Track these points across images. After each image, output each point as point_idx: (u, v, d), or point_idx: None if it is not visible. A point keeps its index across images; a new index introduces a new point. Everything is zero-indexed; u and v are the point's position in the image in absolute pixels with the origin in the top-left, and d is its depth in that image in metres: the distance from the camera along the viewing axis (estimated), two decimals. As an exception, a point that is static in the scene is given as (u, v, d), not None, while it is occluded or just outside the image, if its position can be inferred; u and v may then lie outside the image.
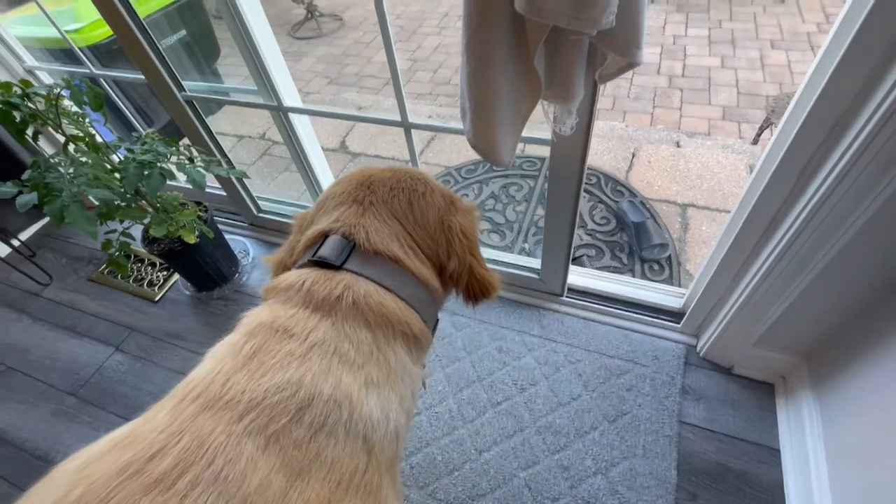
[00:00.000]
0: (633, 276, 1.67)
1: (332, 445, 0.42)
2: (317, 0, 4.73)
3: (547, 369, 1.27)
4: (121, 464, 0.37)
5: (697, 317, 1.22)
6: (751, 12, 4.10)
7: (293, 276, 0.53)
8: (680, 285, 1.63)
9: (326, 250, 0.54)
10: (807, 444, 1.00)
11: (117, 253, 1.20)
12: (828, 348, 1.02)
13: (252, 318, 0.51)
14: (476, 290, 0.61)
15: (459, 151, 2.32)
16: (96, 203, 1.09)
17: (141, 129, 1.64)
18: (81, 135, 1.07)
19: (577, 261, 1.67)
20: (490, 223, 1.92)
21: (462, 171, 2.16)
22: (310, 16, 4.93)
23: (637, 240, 1.69)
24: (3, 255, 1.80)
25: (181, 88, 1.32)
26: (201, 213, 1.46)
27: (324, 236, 0.56)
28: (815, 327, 1.00)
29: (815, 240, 0.83)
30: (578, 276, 1.42)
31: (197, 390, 0.43)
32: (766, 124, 2.75)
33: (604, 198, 1.92)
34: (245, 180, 1.56)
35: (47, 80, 1.62)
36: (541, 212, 1.93)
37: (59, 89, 0.98)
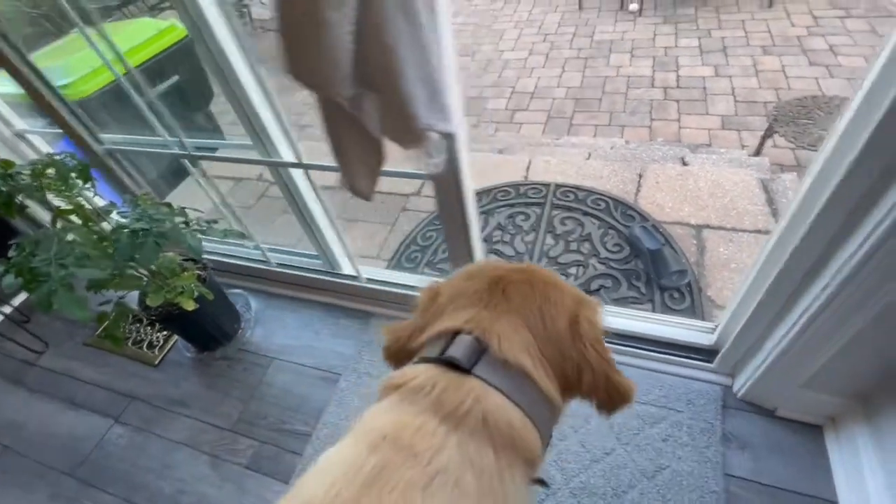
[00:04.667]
0: (653, 305, 1.60)
1: None
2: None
3: (575, 421, 1.19)
4: None
5: (733, 356, 1.15)
6: (739, 19, 4.11)
7: (421, 375, 0.51)
8: (703, 314, 1.55)
9: (458, 351, 0.51)
10: (868, 493, 0.91)
11: (112, 325, 1.13)
12: (885, 388, 0.94)
13: (375, 421, 0.48)
14: (615, 399, 0.56)
15: (461, 182, 2.27)
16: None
17: (134, 187, 1.58)
18: (70, 207, 1.01)
19: (594, 294, 1.60)
20: (498, 256, 1.85)
21: (466, 203, 2.11)
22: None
23: (654, 268, 1.63)
24: (-5, 323, 1.73)
25: (98, 141, 1.29)
26: (200, 272, 1.39)
27: (454, 334, 0.54)
28: (870, 369, 0.92)
29: (872, 282, 0.76)
30: (599, 315, 1.34)
31: None
32: (769, 133, 2.71)
33: (615, 224, 1.85)
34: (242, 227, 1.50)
35: (38, 142, 1.57)
36: (550, 241, 1.87)
37: (41, 166, 0.93)
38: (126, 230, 1.06)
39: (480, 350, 0.52)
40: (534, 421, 0.51)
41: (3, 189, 0.90)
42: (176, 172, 2.15)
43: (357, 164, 0.84)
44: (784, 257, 0.88)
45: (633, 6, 4.54)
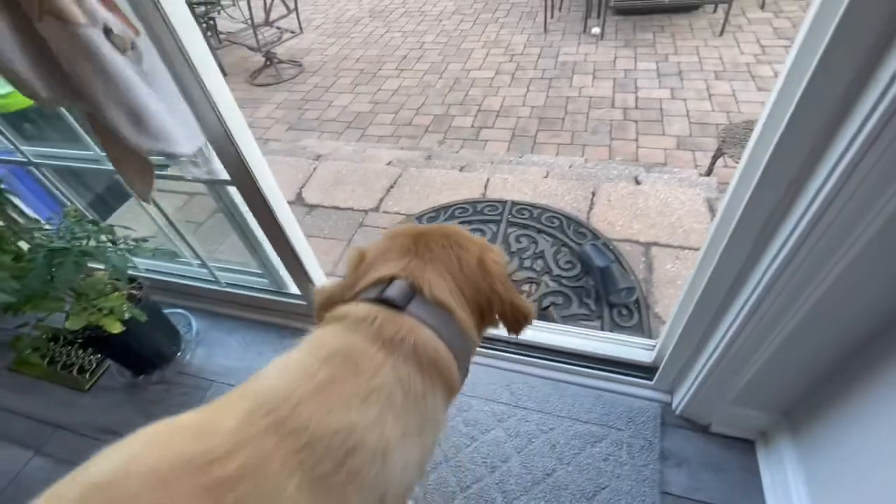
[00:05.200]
0: (602, 322, 1.61)
1: (355, 497, 0.47)
2: (275, 47, 4.73)
3: (518, 442, 1.17)
4: (188, 454, 0.42)
5: (670, 373, 1.16)
6: (693, 45, 4.31)
7: (363, 309, 0.60)
8: (650, 331, 1.58)
9: (394, 292, 0.61)
10: (795, 510, 0.93)
11: (29, 350, 1.06)
12: (807, 404, 0.96)
13: (326, 340, 0.58)
14: (519, 318, 0.70)
15: (419, 199, 2.27)
16: None
17: (70, 202, 1.51)
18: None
19: (544, 311, 1.61)
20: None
21: (423, 219, 2.10)
22: (269, 63, 4.92)
23: (603, 285, 1.65)
24: (-89, 347, 1.60)
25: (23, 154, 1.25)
26: (135, 291, 1.33)
27: (389, 280, 0.63)
28: (792, 384, 0.95)
29: (785, 297, 0.79)
30: (546, 333, 1.35)
31: (268, 406, 0.47)
32: (718, 154, 2.82)
33: (567, 241, 1.88)
34: (192, 243, 1.45)
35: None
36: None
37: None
38: (44, 249, 1.00)
39: (412, 292, 0.62)
40: (455, 352, 0.61)
41: None
42: (119, 192, 2.07)
43: (131, 171, 0.93)
44: (707, 274, 0.90)
45: (595, 30, 4.71)
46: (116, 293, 1.21)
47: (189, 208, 2.45)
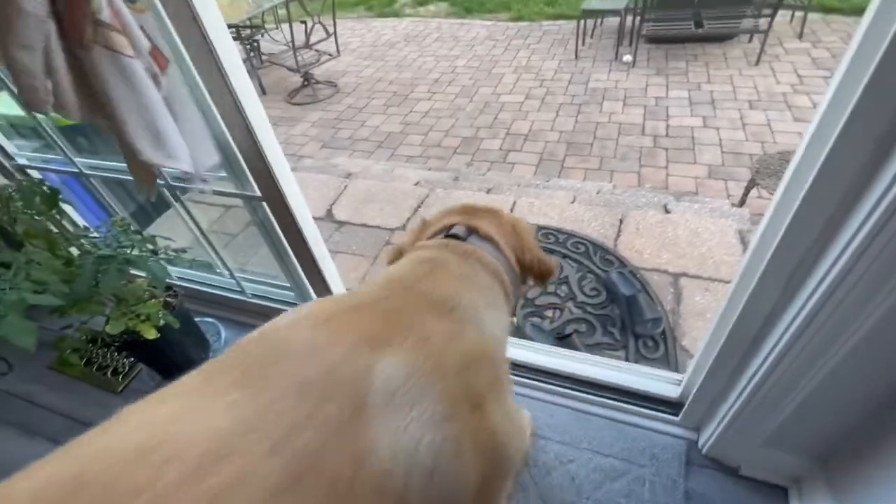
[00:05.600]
0: (627, 353, 1.58)
1: (470, 330, 0.63)
2: (313, 68, 4.94)
3: (537, 472, 1.15)
4: (350, 299, 0.63)
5: (697, 409, 1.13)
6: (727, 75, 4.27)
7: (436, 241, 0.78)
8: (676, 364, 1.54)
9: (457, 230, 0.80)
10: (832, 567, 0.87)
11: (69, 351, 1.12)
12: (847, 452, 0.91)
13: (417, 255, 0.75)
14: (544, 271, 0.86)
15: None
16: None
17: (119, 212, 1.60)
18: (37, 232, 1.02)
19: (567, 339, 1.59)
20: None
21: (448, 240, 2.12)
22: (306, 83, 5.13)
23: (629, 315, 1.62)
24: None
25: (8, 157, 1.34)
26: (170, 299, 1.39)
27: (450, 227, 0.82)
28: (830, 429, 0.90)
29: (821, 339, 0.76)
30: (568, 361, 1.33)
31: (396, 280, 0.69)
32: (752, 184, 2.76)
33: (593, 268, 1.86)
34: (223, 255, 1.51)
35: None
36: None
37: (10, 190, 0.94)
38: (92, 256, 1.06)
39: (470, 232, 0.80)
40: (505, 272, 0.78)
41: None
42: (160, 203, 2.17)
43: (140, 171, 1.01)
44: (738, 310, 0.88)
45: (627, 58, 4.73)
46: (154, 300, 1.26)
47: (224, 220, 2.55)
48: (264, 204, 1.24)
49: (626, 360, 1.57)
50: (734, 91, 4.02)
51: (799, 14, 4.72)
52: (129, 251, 1.14)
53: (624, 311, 1.65)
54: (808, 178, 0.67)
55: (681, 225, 2.02)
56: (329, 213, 2.47)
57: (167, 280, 1.46)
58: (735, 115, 3.74)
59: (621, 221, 2.09)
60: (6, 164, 1.46)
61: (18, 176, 1.43)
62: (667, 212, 2.20)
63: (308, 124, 4.63)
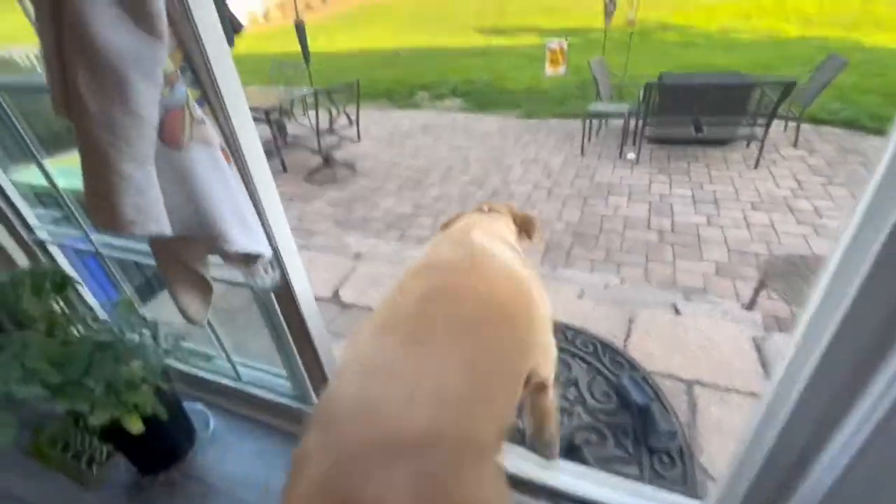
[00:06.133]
0: (641, 469, 1.46)
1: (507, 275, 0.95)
2: (334, 151, 5.24)
3: None
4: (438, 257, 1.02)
5: (724, 552, 1.00)
6: (728, 176, 4.45)
7: (469, 213, 1.33)
8: (695, 485, 1.41)
9: (480, 208, 1.32)
10: None
11: (47, 440, 1.05)
12: None
13: (459, 223, 1.22)
14: (525, 220, 1.35)
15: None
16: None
17: (126, 288, 1.60)
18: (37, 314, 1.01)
19: (576, 451, 1.48)
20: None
21: (453, 330, 2.08)
22: (326, 164, 5.42)
23: (643, 426, 1.52)
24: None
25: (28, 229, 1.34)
26: (161, 385, 1.33)
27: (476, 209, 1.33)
28: None
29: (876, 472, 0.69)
30: (580, 481, 1.22)
31: (449, 236, 1.10)
32: (761, 286, 2.74)
33: (603, 370, 1.79)
34: (221, 333, 1.47)
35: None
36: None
37: (21, 276, 0.95)
38: (90, 342, 1.04)
39: (488, 210, 1.30)
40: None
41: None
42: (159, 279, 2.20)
43: (186, 295, 0.94)
44: (765, 450, 0.82)
45: (631, 156, 4.99)
46: (145, 387, 1.21)
47: (226, 296, 2.54)
48: (272, 294, 1.23)
49: (641, 476, 1.44)
50: (736, 192, 4.16)
51: (792, 124, 5.03)
52: (129, 334, 1.11)
53: (637, 422, 1.55)
54: (850, 293, 0.63)
55: (692, 328, 1.98)
56: (336, 294, 2.46)
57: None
58: (738, 214, 3.84)
59: (631, 321, 2.05)
60: (26, 237, 1.49)
61: (37, 250, 1.46)
62: (677, 312, 2.17)
63: (323, 203, 4.80)
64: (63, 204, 1.32)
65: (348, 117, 5.41)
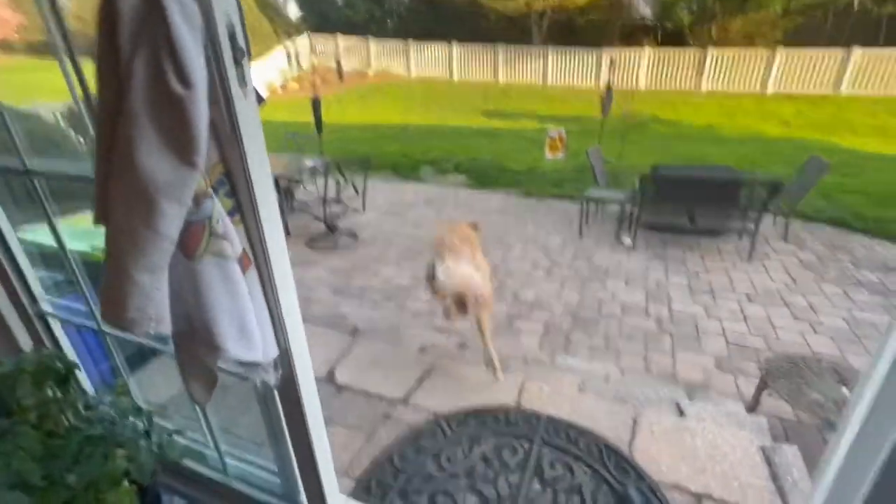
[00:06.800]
0: None
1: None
2: (338, 220, 5.36)
3: None
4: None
5: None
6: (722, 267, 4.54)
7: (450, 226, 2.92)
8: None
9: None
10: None
11: (13, 547, 0.96)
12: None
13: (453, 227, 2.91)
14: (476, 225, 3.15)
15: (451, 396, 2.20)
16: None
17: (124, 374, 1.55)
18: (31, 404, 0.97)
19: (581, 574, 1.37)
20: (478, 498, 1.66)
21: (452, 423, 2.00)
22: (329, 231, 5.51)
23: (652, 548, 1.42)
24: None
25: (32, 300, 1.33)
26: (140, 482, 1.25)
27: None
28: None
29: None
30: None
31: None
32: (763, 386, 2.70)
33: (608, 477, 1.70)
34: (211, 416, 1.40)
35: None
36: (537, 486, 1.69)
37: (25, 363, 0.93)
38: (80, 434, 0.99)
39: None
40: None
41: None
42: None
43: (195, 382, 0.99)
44: None
45: (627, 241, 5.13)
46: (127, 485, 1.14)
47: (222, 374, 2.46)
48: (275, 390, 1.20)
49: None
50: (731, 283, 4.23)
51: (781, 219, 5.24)
52: (121, 420, 1.06)
53: (645, 542, 1.45)
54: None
55: (698, 434, 1.91)
56: (331, 374, 2.39)
57: (148, 455, 1.34)
58: (735, 306, 3.87)
59: (635, 421, 1.99)
60: (29, 309, 1.47)
61: (38, 325, 1.43)
62: (681, 412, 2.11)
63: (324, 270, 4.82)
64: (69, 268, 1.32)
65: (355, 188, 5.60)
